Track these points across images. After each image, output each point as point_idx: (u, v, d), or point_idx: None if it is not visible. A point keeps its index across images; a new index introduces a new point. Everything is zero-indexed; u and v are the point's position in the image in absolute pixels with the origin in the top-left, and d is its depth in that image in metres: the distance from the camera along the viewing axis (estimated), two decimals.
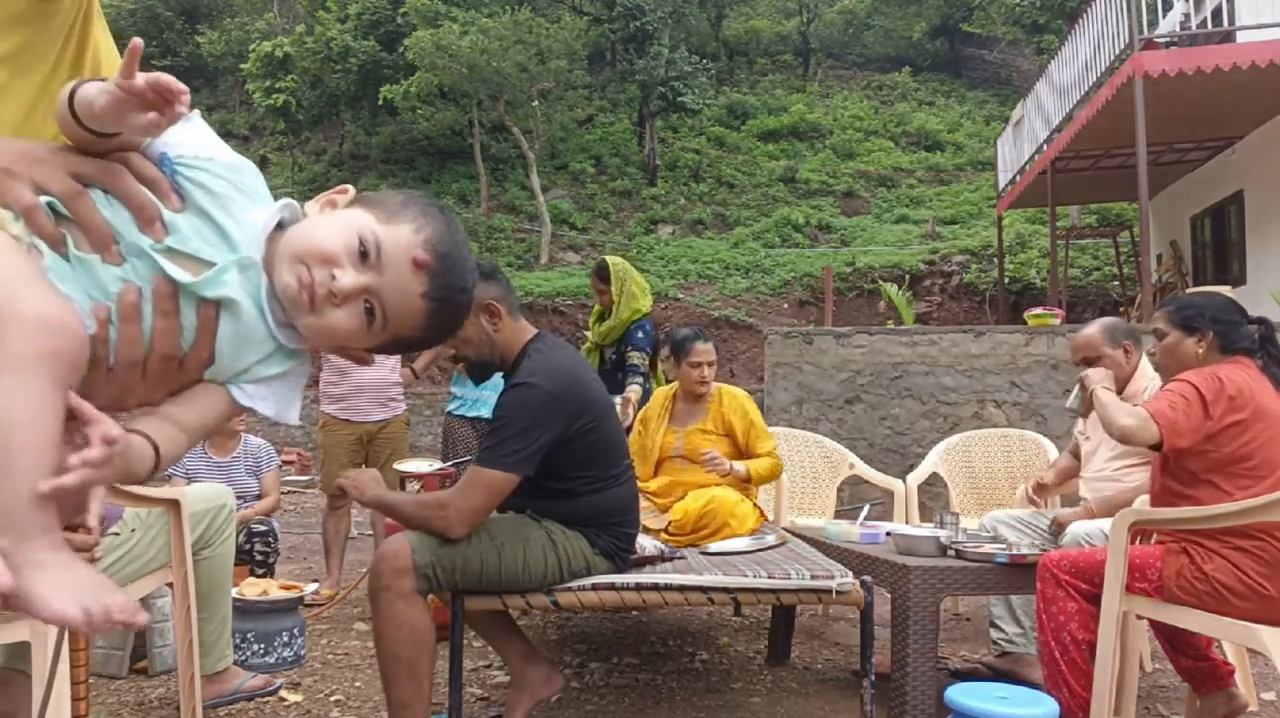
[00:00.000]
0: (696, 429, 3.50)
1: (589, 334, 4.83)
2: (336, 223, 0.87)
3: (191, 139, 0.84)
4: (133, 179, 0.79)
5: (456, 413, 4.58)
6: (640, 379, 4.47)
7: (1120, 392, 2.97)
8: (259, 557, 3.92)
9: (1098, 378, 2.69)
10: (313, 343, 0.89)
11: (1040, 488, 3.42)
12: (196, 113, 0.84)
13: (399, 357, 4.54)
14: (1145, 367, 3.06)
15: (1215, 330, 2.45)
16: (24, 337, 0.66)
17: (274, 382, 0.88)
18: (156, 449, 0.81)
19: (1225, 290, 7.43)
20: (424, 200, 0.92)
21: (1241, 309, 2.52)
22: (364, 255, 0.85)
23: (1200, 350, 2.46)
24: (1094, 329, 3.11)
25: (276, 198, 0.90)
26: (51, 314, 0.69)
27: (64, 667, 1.76)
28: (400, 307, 0.88)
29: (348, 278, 0.84)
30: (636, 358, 4.49)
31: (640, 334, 4.52)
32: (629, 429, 3.79)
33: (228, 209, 0.83)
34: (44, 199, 0.76)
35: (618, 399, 4.54)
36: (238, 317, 0.82)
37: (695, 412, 3.56)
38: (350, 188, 0.93)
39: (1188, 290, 7.94)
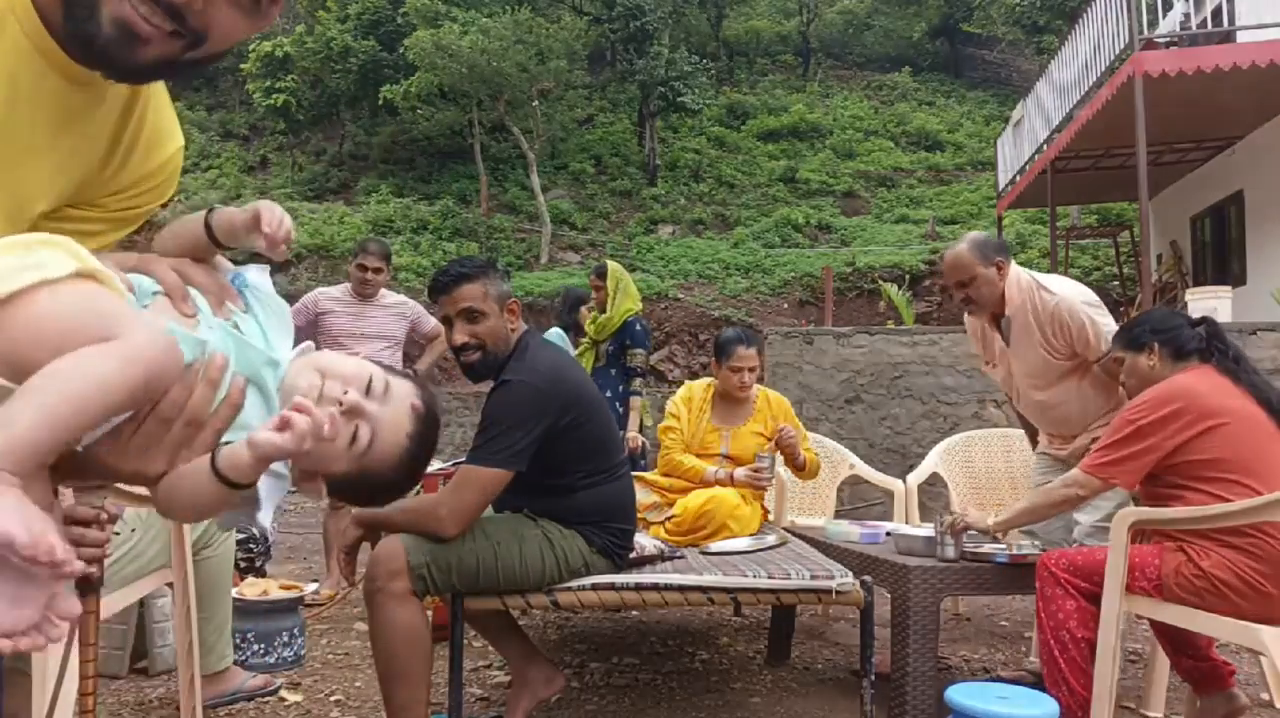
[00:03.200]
0: (746, 430, 3.47)
1: (584, 338, 5.06)
2: (354, 360, 1.02)
3: (258, 279, 1.05)
4: (217, 277, 1.02)
5: None
6: (640, 379, 4.91)
7: (999, 310, 2.94)
8: (242, 563, 3.79)
9: (976, 518, 2.69)
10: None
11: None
12: (267, 267, 1.08)
13: (400, 354, 4.55)
14: (1017, 277, 2.94)
15: (1159, 340, 2.50)
16: (148, 341, 0.80)
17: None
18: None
19: (1225, 290, 7.45)
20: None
21: (1183, 315, 2.59)
22: (372, 389, 0.98)
23: (1152, 363, 2.51)
24: (964, 248, 2.96)
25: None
26: (171, 341, 0.84)
27: (71, 666, 1.76)
28: (385, 440, 0.99)
29: (355, 395, 0.96)
30: (640, 357, 4.91)
31: (639, 328, 4.95)
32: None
33: (272, 324, 1.02)
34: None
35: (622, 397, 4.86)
36: (256, 402, 0.94)
37: (740, 412, 3.52)
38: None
39: (1186, 293, 7.94)
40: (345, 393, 0.95)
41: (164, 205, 1.23)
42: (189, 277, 0.98)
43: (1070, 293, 2.86)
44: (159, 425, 0.86)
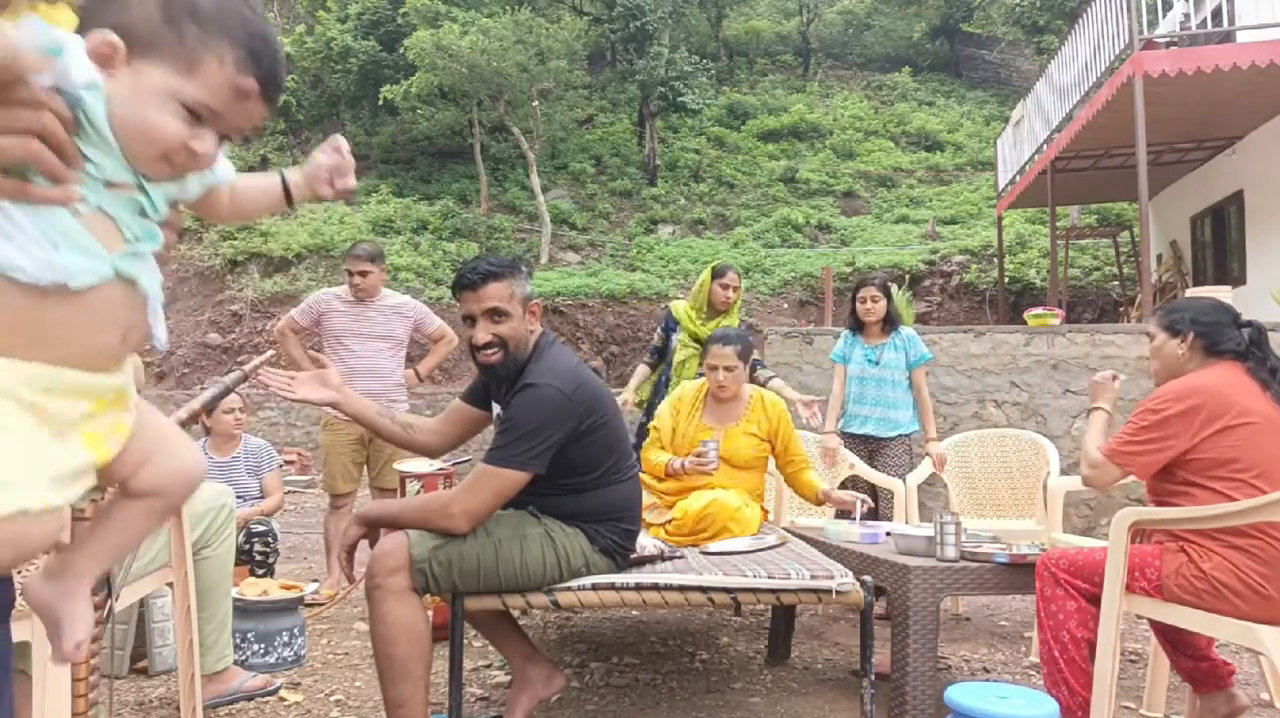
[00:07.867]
0: (738, 430, 3.44)
1: (683, 336, 4.57)
2: (153, 101, 0.88)
3: (79, 66, 0.82)
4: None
5: None
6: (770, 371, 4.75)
7: None
8: (259, 557, 3.92)
9: (1105, 397, 2.67)
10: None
11: None
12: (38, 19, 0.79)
13: (402, 358, 4.54)
14: None
15: (1197, 332, 2.44)
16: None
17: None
18: None
19: (1225, 290, 7.44)
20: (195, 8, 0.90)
21: (1232, 312, 2.49)
22: (198, 116, 0.91)
23: (1182, 352, 2.46)
24: None
25: None
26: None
27: (65, 667, 1.76)
28: (248, 122, 0.98)
29: (204, 144, 0.92)
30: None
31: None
32: None
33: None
34: None
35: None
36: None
37: (732, 411, 3.48)
38: (109, 37, 0.86)
39: (1187, 292, 7.93)
40: (196, 154, 0.91)
41: None
42: None
43: None
44: None
